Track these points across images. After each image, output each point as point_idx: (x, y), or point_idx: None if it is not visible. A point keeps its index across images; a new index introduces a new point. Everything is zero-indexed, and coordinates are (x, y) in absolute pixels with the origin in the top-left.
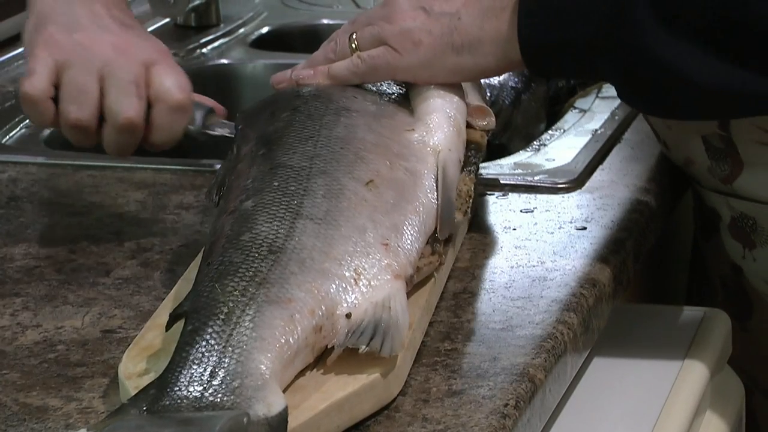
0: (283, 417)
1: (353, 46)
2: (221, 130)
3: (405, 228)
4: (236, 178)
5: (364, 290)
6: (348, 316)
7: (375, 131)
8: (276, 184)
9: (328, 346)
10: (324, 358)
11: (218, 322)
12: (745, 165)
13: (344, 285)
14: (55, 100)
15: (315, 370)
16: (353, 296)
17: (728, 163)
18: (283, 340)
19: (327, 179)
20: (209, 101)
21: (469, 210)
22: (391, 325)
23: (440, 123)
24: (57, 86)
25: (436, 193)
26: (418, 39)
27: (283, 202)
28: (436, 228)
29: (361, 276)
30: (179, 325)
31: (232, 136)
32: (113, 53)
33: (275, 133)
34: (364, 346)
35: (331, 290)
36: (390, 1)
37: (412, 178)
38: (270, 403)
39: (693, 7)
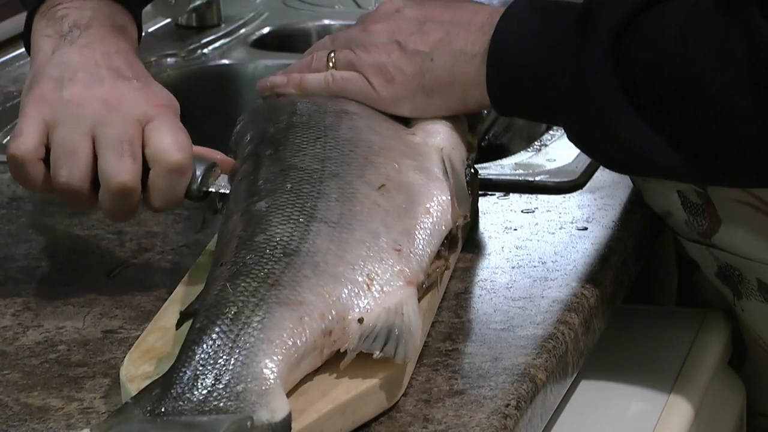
0: (286, 423)
1: (330, 64)
2: (226, 187)
3: (417, 233)
4: (242, 179)
5: (377, 296)
6: (360, 320)
7: (378, 133)
8: (289, 186)
9: (341, 350)
10: (328, 363)
11: (226, 321)
12: (723, 221)
13: (356, 290)
14: (48, 162)
15: (319, 373)
16: (365, 301)
17: (706, 218)
18: (290, 342)
19: (339, 182)
20: (214, 154)
21: (468, 213)
22: (404, 330)
23: (440, 127)
24: (48, 147)
25: (446, 182)
26: (391, 76)
27: (297, 205)
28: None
29: (374, 281)
30: (186, 325)
31: None
32: (104, 110)
33: (277, 134)
34: (378, 352)
35: (343, 295)
36: (369, 27)
37: (423, 176)
38: (274, 409)
39: (653, 85)
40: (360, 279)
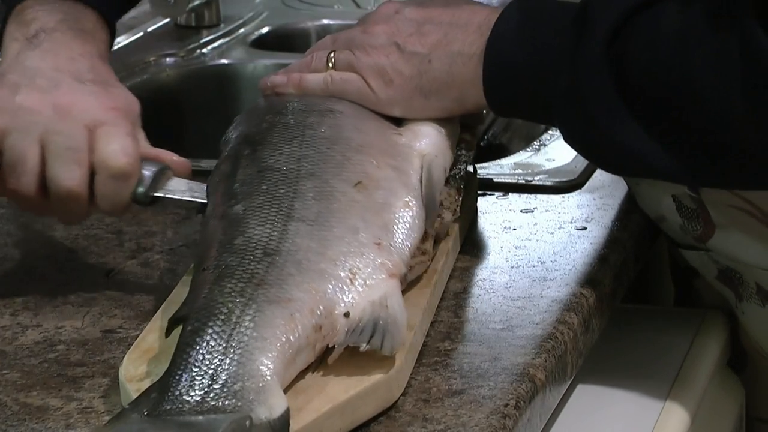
0: (285, 420)
1: (330, 65)
2: (176, 191)
3: (396, 227)
4: (221, 181)
5: (361, 289)
6: (346, 315)
7: (361, 131)
8: (264, 187)
9: (329, 346)
10: (326, 360)
11: (218, 322)
12: (717, 227)
13: (340, 285)
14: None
15: (317, 372)
16: (350, 296)
17: (700, 223)
18: (284, 339)
19: (316, 182)
20: (169, 157)
21: (458, 209)
22: (389, 322)
23: (428, 131)
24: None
25: (418, 190)
26: (389, 78)
27: (274, 205)
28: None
29: (357, 276)
30: (177, 332)
31: (191, 198)
32: (55, 116)
33: (259, 134)
34: (365, 344)
35: (329, 290)
36: (369, 29)
37: (400, 175)
38: (272, 406)
39: (648, 87)
40: (343, 274)
